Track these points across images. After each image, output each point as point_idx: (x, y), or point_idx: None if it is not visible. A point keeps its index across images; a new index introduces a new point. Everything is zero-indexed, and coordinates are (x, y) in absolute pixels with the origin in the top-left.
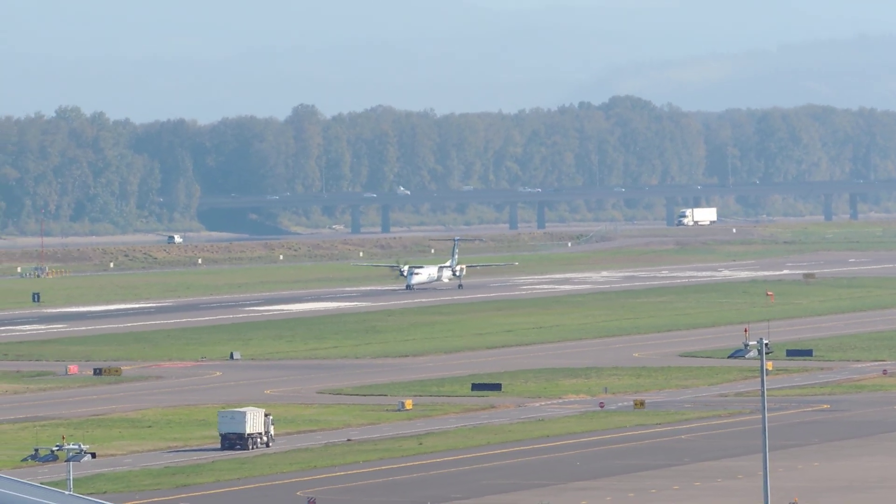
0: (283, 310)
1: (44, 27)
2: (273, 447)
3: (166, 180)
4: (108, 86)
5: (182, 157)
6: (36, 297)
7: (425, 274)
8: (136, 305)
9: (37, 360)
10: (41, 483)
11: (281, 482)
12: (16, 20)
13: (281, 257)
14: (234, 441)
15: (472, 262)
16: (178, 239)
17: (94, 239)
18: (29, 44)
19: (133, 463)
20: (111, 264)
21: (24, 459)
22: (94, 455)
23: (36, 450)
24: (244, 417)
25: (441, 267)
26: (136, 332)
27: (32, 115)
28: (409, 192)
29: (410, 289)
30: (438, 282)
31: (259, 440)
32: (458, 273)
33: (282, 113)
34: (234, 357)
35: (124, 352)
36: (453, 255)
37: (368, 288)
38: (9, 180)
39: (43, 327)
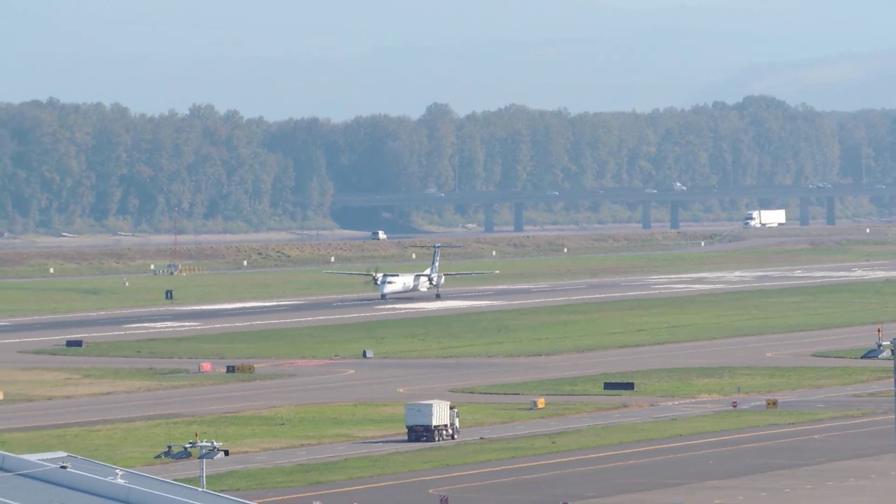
0: (416, 308)
1: (178, 27)
2: (458, 438)
3: (300, 178)
4: (242, 84)
5: (315, 155)
6: (169, 295)
7: (400, 283)
8: (270, 303)
9: (170, 358)
10: (174, 480)
11: (413, 480)
12: (151, 19)
13: (413, 256)
14: (421, 433)
15: (450, 271)
16: (382, 235)
17: (227, 237)
18: (164, 43)
19: (266, 460)
20: (244, 262)
21: (157, 456)
22: (226, 452)
23: (169, 447)
24: (430, 410)
25: (418, 275)
26: (269, 330)
27: (166, 113)
28: (685, 188)
29: (385, 298)
30: (415, 291)
31: (444, 432)
32: (435, 282)
33: (415, 111)
34: (367, 355)
35: (257, 349)
36: (433, 263)
37: (502, 287)
38: (143, 178)
39: (176, 325)
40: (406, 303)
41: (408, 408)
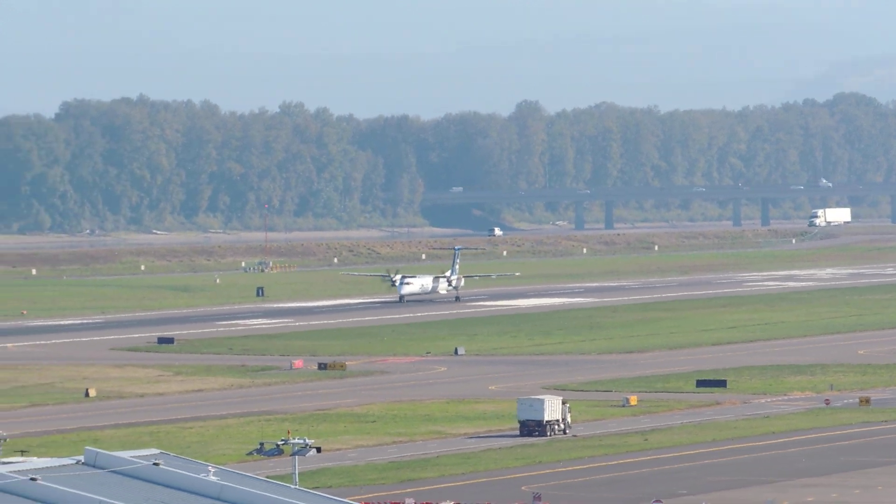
0: (507, 305)
1: (269, 24)
2: (570, 433)
3: (390, 176)
4: (332, 82)
5: (406, 152)
6: (260, 292)
7: (417, 284)
8: (361, 300)
9: (262, 355)
10: (266, 477)
11: (506, 477)
12: (242, 17)
13: (504, 253)
14: (533, 428)
15: (470, 273)
16: (498, 232)
17: (317, 234)
18: (254, 40)
19: (358, 458)
20: (335, 259)
21: (250, 453)
22: (319, 449)
23: (261, 444)
24: (542, 405)
25: (437, 277)
26: (361, 327)
27: (256, 111)
28: (830, 185)
29: (403, 300)
30: (434, 293)
31: (556, 427)
32: (454, 284)
33: (505, 109)
34: (459, 352)
35: (349, 346)
36: (454, 265)
37: (594, 284)
38: (233, 175)
39: (268, 322)
40: (497, 300)
41: (520, 402)
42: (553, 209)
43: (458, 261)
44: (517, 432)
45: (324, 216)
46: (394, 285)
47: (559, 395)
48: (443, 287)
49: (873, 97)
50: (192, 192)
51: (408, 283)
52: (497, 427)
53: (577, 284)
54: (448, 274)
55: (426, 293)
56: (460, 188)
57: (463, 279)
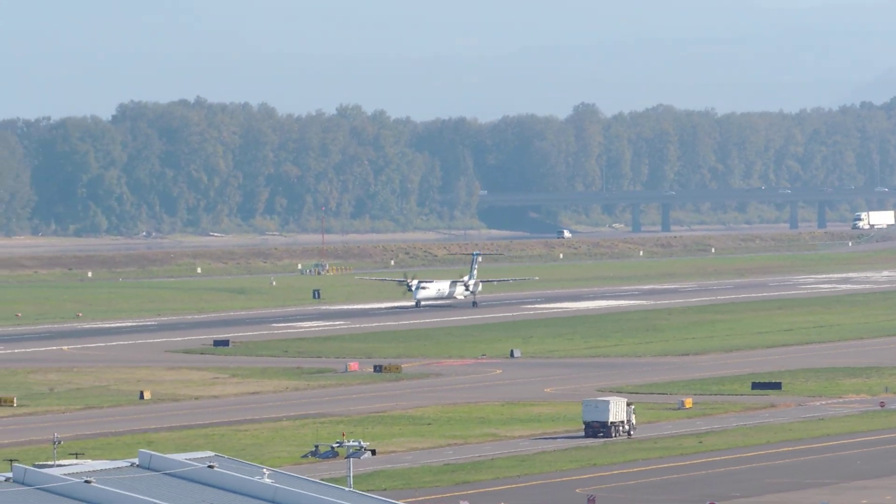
0: (563, 308)
1: (326, 26)
2: (635, 435)
3: (447, 178)
4: (389, 84)
5: (463, 155)
6: (316, 294)
7: (434, 289)
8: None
9: (317, 357)
10: (321, 480)
11: (560, 480)
12: (298, 19)
13: (561, 255)
14: (598, 429)
15: (489, 278)
16: (567, 234)
17: (374, 236)
18: (311, 42)
19: (413, 460)
20: (392, 261)
21: (305, 456)
22: (374, 452)
23: (316, 446)
24: (608, 406)
25: (454, 282)
26: (417, 330)
27: (314, 113)
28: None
29: (419, 305)
30: (451, 298)
31: (621, 428)
32: (471, 288)
33: (562, 111)
34: (515, 355)
35: (404, 349)
36: (472, 271)
37: (650, 287)
38: (290, 177)
39: (324, 324)
40: (554, 303)
41: (585, 404)
42: (610, 212)
43: (476, 266)
44: (582, 433)
45: (380, 218)
46: (410, 290)
47: (624, 398)
48: (460, 292)
49: None
50: (249, 194)
51: (424, 288)
52: (552, 429)
53: (634, 287)
54: (465, 278)
55: (443, 298)
56: (517, 191)
57: (481, 284)
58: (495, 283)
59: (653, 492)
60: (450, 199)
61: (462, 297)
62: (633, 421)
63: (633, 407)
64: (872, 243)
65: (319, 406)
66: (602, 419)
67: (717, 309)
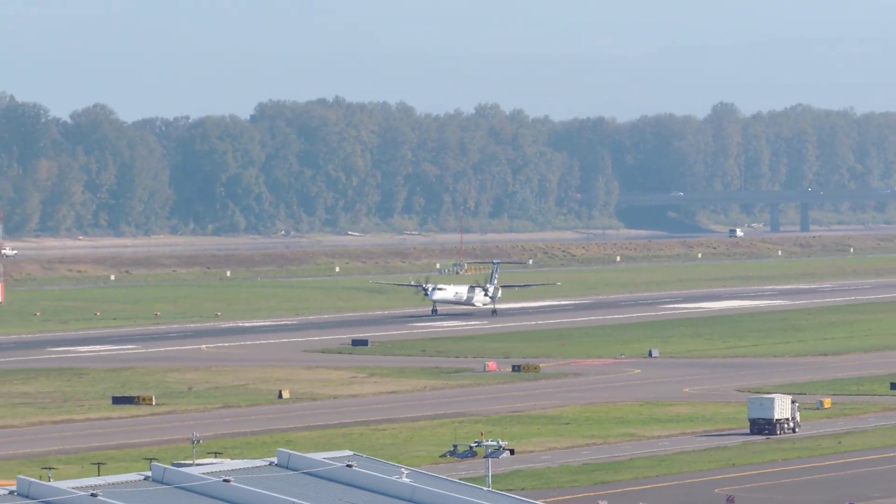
0: (701, 308)
1: (464, 26)
2: (799, 433)
3: (585, 178)
4: (528, 83)
5: (601, 154)
6: None
7: (451, 291)
8: (555, 302)
9: (455, 357)
10: (459, 479)
11: (699, 479)
12: (436, 18)
13: (699, 255)
14: (763, 426)
15: (509, 283)
16: (739, 233)
17: (512, 236)
18: (450, 41)
19: (551, 460)
20: (530, 261)
21: (443, 455)
22: (512, 451)
23: (455, 446)
24: (772, 404)
25: (472, 286)
26: (555, 329)
27: (452, 112)
28: None
29: (435, 313)
30: (469, 304)
31: (786, 425)
32: (491, 294)
33: (700, 111)
34: (653, 354)
35: (542, 348)
36: (492, 278)
37: (789, 286)
38: (429, 177)
39: (461, 324)
40: (692, 302)
41: (750, 401)
42: (748, 211)
43: (496, 274)
44: (747, 431)
45: (518, 218)
46: (426, 294)
47: (788, 396)
48: (479, 298)
49: None
50: (388, 193)
51: (441, 290)
52: (691, 429)
53: (772, 287)
54: (485, 284)
55: (461, 303)
56: (656, 191)
57: (500, 290)
58: (516, 288)
59: (792, 492)
60: (588, 198)
61: (481, 305)
62: (798, 418)
63: (797, 404)
64: None
65: (457, 405)
66: (767, 416)
67: (855, 309)
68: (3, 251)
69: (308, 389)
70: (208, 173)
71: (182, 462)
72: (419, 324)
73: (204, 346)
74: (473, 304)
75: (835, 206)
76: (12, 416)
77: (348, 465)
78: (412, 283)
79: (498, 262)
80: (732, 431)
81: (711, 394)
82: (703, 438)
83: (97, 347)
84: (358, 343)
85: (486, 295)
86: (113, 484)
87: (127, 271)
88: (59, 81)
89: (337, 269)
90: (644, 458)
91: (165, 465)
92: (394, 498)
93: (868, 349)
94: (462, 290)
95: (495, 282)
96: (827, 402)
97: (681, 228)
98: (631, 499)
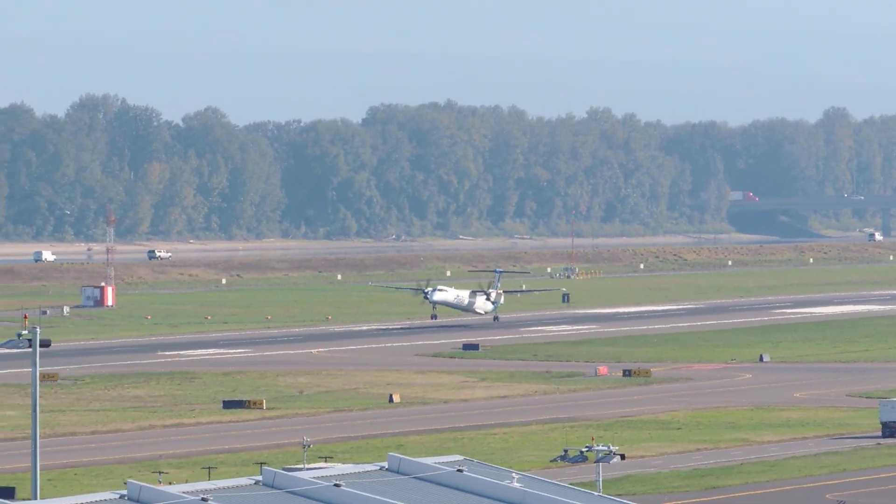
0: (812, 312)
1: (576, 31)
2: None
3: (697, 182)
4: (640, 88)
5: (713, 158)
6: (566, 298)
7: (452, 294)
8: (666, 307)
9: (566, 361)
10: (570, 484)
11: (810, 485)
12: (549, 23)
13: (811, 260)
14: (895, 429)
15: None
16: (878, 237)
17: (623, 240)
18: (561, 46)
19: (662, 465)
20: (641, 265)
21: (554, 460)
22: (623, 456)
23: (565, 450)
24: None
25: (475, 292)
26: (666, 334)
27: (563, 116)
28: None
29: (435, 317)
30: (471, 310)
31: None
32: (493, 299)
33: (812, 115)
34: (764, 359)
35: (654, 353)
36: (495, 285)
37: (892, 292)
38: (540, 181)
39: (572, 328)
40: (803, 307)
41: (882, 404)
42: (860, 216)
43: (499, 282)
44: (879, 433)
45: (630, 222)
46: (426, 297)
47: (863, 403)
48: (481, 304)
49: None
50: (499, 197)
51: (441, 291)
52: (802, 434)
53: (884, 291)
54: (488, 290)
55: (462, 308)
56: (767, 195)
57: (503, 296)
58: (518, 294)
59: None
60: (699, 202)
61: (483, 312)
62: None
63: None
64: None
65: (568, 410)
66: None
67: None
68: (158, 253)
69: (419, 394)
70: (320, 177)
71: (293, 466)
72: (530, 328)
73: (315, 349)
74: (475, 310)
75: None
76: (123, 419)
77: (459, 470)
78: (414, 288)
79: (500, 271)
80: (865, 435)
81: (823, 399)
82: (827, 441)
83: (208, 351)
84: (469, 347)
85: (488, 300)
86: (223, 488)
87: (238, 275)
88: (171, 84)
89: (448, 273)
90: (755, 463)
91: (276, 470)
92: (504, 503)
93: None
94: (463, 294)
95: (498, 288)
96: None
97: (792, 233)
98: None
